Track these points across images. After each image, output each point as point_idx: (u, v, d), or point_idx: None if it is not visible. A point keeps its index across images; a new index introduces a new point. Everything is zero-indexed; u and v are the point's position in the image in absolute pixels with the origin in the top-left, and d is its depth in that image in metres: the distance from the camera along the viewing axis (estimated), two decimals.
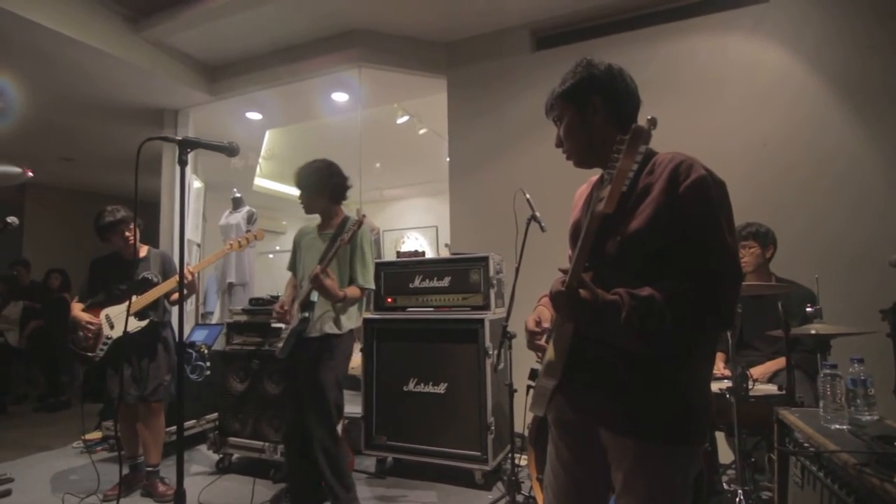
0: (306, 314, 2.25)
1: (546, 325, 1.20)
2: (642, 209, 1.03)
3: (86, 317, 2.63)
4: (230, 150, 1.58)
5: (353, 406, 3.25)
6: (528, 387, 1.25)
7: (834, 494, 1.17)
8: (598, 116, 1.15)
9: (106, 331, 2.63)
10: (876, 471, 1.00)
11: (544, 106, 1.24)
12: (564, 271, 0.99)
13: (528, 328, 1.21)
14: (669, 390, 1.02)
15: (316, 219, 2.47)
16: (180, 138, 1.47)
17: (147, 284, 2.68)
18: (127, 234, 2.73)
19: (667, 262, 1.00)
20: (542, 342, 1.20)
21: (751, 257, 2.44)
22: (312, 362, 2.26)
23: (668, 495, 1.04)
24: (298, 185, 2.38)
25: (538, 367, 1.22)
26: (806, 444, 1.37)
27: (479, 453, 2.70)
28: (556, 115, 1.23)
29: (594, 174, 1.29)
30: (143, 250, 2.81)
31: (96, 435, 3.72)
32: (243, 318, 3.15)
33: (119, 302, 2.68)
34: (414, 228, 8.04)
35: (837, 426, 1.33)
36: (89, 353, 2.60)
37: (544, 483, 1.27)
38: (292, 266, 2.51)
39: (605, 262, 1.05)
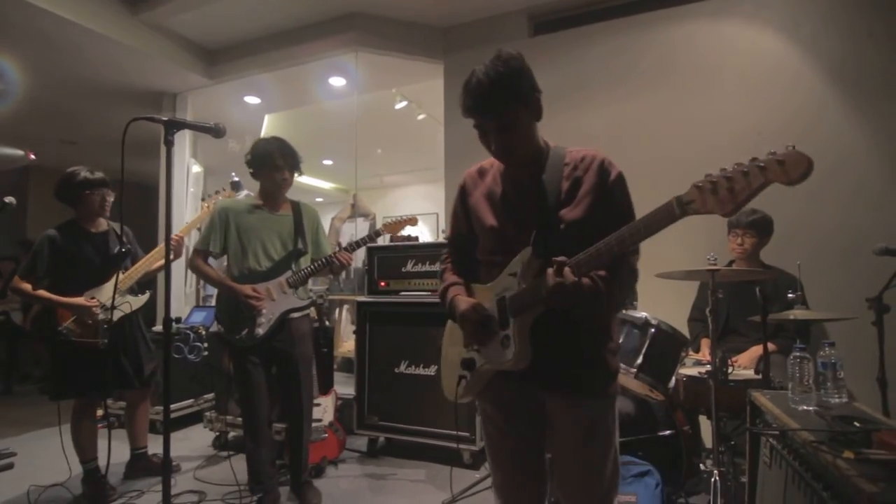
0: (303, 293, 2.36)
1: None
2: (579, 200, 1.20)
3: (90, 302, 2.41)
4: (216, 132, 1.59)
5: (345, 387, 3.31)
6: (461, 377, 1.30)
7: (796, 472, 1.21)
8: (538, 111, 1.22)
9: (102, 314, 2.42)
10: (830, 448, 1.04)
11: (484, 107, 1.16)
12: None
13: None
14: (606, 355, 1.24)
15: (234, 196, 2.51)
16: (165, 118, 1.49)
17: (125, 257, 2.52)
18: (107, 197, 2.55)
19: (592, 239, 1.11)
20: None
21: (748, 246, 2.45)
22: (303, 338, 2.36)
23: (614, 436, 1.26)
24: (292, 165, 2.35)
25: (471, 356, 1.28)
26: (774, 425, 1.40)
27: (467, 434, 2.76)
28: (496, 121, 1.16)
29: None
30: (104, 224, 2.62)
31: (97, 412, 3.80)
32: None
33: (101, 282, 2.46)
34: (421, 216, 8.05)
35: (805, 407, 1.36)
36: (91, 341, 2.39)
37: (490, 466, 1.39)
38: (222, 247, 2.30)
39: (554, 247, 1.14)
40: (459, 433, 2.78)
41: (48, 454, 3.08)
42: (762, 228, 2.43)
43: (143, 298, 2.61)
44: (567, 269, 1.06)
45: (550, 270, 1.07)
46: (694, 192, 0.95)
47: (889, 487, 0.84)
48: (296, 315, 2.32)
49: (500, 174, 1.32)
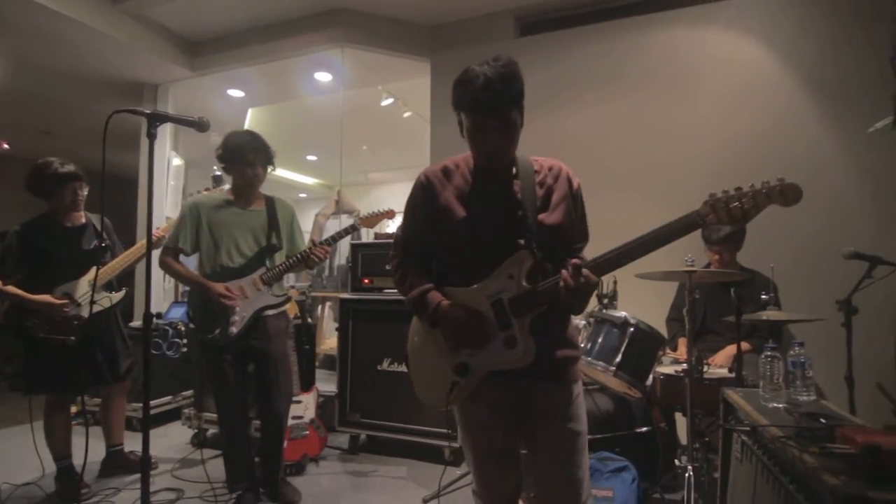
0: (279, 291, 2.31)
1: None
2: (554, 206, 1.28)
3: (56, 301, 2.33)
4: (199, 125, 1.58)
5: (327, 384, 3.30)
6: (454, 383, 1.30)
7: (765, 466, 1.25)
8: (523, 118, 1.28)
9: (73, 310, 2.36)
10: (797, 443, 1.08)
11: (492, 105, 1.18)
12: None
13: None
14: (577, 343, 1.38)
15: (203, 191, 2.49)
16: (149, 111, 1.47)
17: (103, 252, 2.47)
18: (79, 191, 2.48)
19: (563, 243, 1.28)
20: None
21: (727, 259, 2.51)
22: (279, 335, 2.32)
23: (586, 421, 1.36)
24: (265, 160, 2.27)
25: (463, 361, 1.28)
26: (745, 422, 1.44)
27: (448, 430, 2.77)
28: (500, 121, 1.20)
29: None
30: (81, 217, 2.55)
31: (73, 409, 3.72)
32: None
33: (76, 277, 2.40)
34: (400, 213, 8.03)
35: (775, 404, 1.40)
36: (61, 337, 2.33)
37: (472, 464, 1.39)
38: (192, 244, 2.22)
39: (539, 249, 1.23)
40: (441, 430, 2.79)
41: (20, 452, 3.00)
42: (734, 241, 2.50)
43: (118, 295, 2.55)
44: (586, 271, 1.14)
45: (566, 272, 1.14)
46: (708, 208, 1.12)
47: (849, 480, 0.88)
48: (271, 312, 2.26)
49: (472, 175, 1.31)
